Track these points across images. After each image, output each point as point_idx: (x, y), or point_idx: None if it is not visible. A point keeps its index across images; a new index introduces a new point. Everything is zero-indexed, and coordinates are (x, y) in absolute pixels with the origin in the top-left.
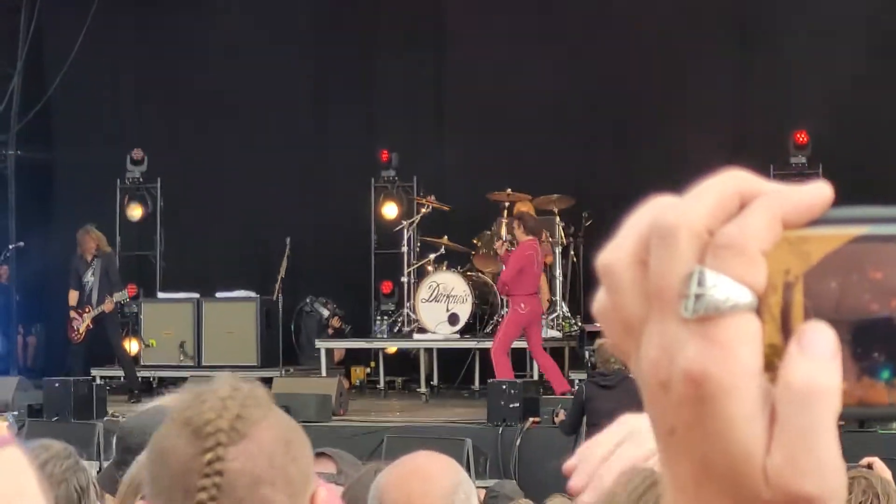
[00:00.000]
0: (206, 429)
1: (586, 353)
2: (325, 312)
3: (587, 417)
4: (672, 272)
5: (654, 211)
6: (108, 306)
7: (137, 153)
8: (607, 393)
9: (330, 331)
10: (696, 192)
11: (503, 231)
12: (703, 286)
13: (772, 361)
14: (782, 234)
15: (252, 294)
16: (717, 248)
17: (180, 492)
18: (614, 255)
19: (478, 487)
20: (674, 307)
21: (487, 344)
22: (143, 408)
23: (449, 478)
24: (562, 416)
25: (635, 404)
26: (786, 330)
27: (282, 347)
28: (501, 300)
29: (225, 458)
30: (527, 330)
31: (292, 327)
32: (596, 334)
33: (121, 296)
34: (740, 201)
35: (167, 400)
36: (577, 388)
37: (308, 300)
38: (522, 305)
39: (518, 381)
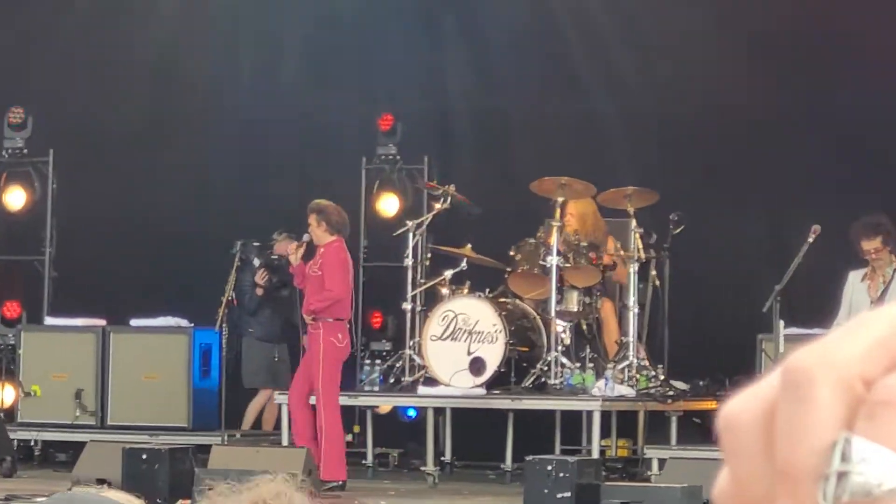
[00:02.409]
0: None
1: (672, 420)
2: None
3: None
4: (806, 438)
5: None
6: None
7: (16, 113)
8: None
9: (259, 291)
10: (849, 328)
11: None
12: (849, 461)
13: None
14: None
15: (183, 322)
16: (874, 406)
17: None
18: (740, 406)
19: None
20: (808, 489)
21: (527, 404)
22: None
23: None
24: None
25: None
26: None
27: (224, 398)
28: (551, 338)
29: None
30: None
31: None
32: (687, 394)
33: None
34: None
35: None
36: None
37: (238, 246)
38: (340, 336)
39: (569, 458)
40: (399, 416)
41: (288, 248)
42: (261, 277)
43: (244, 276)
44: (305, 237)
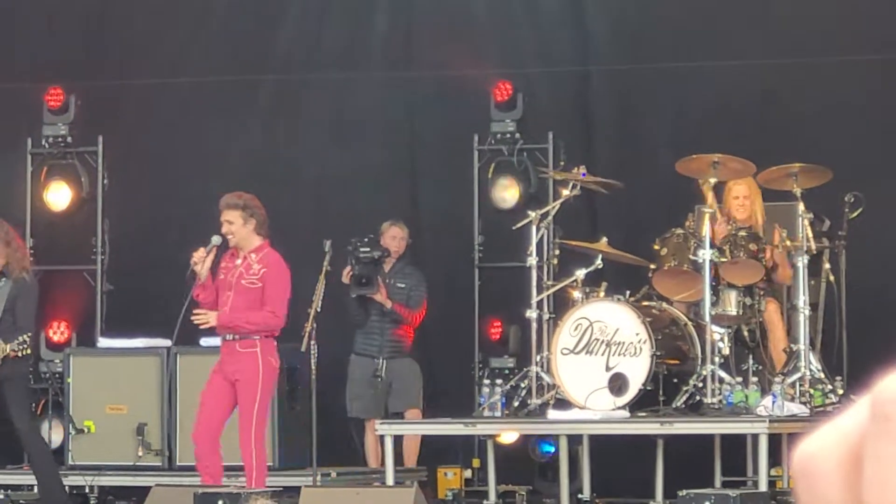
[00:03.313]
0: None
1: None
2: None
3: None
4: None
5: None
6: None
7: (55, 94)
8: None
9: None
10: None
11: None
12: None
13: None
14: None
15: None
16: None
17: None
18: (818, 447)
19: None
20: None
21: (680, 428)
22: None
23: None
24: None
25: None
26: None
27: (315, 431)
28: (706, 348)
29: None
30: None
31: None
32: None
33: (17, 346)
34: None
35: None
36: None
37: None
38: (276, 356)
39: (731, 491)
40: (533, 452)
41: (194, 256)
42: (346, 276)
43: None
44: (216, 240)
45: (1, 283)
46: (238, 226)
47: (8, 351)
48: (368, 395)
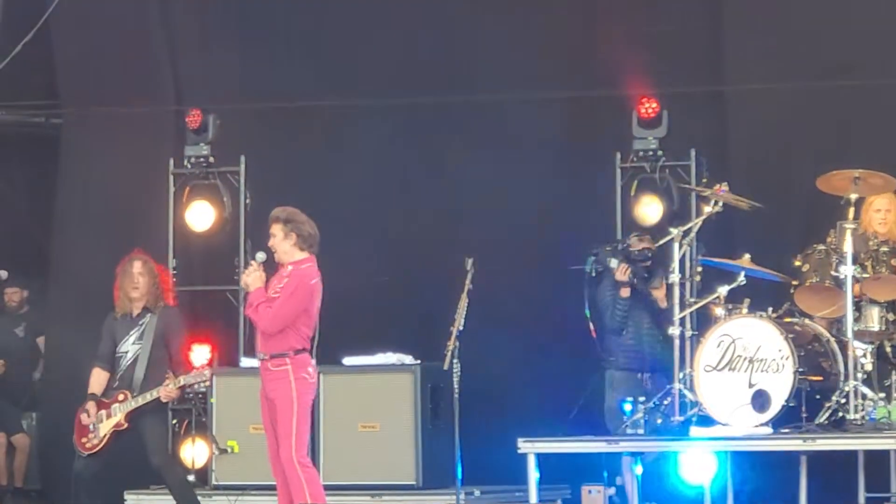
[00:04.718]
0: None
1: None
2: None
3: None
4: None
5: None
6: (167, 391)
7: (195, 116)
8: None
9: (625, 292)
10: None
11: None
12: None
13: None
14: None
15: (407, 359)
16: None
17: None
18: None
19: None
20: None
21: (823, 444)
22: None
23: None
24: None
25: None
26: None
27: (459, 445)
28: (848, 364)
29: None
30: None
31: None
32: None
33: (194, 377)
34: None
35: None
36: None
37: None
38: (311, 371)
39: None
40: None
41: (243, 274)
42: (623, 273)
43: (601, 290)
44: (261, 256)
45: (146, 319)
46: (279, 239)
47: (182, 383)
48: None
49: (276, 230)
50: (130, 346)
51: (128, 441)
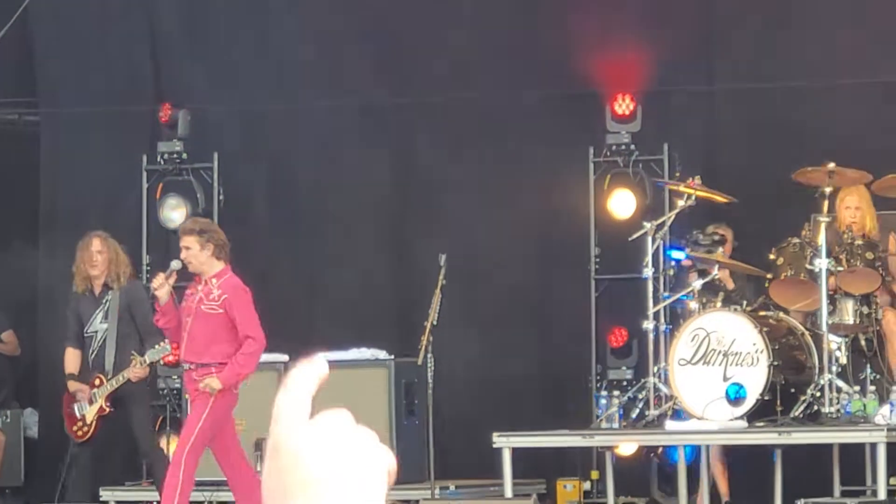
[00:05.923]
0: None
1: None
2: None
3: None
4: None
5: None
6: (134, 372)
7: (167, 111)
8: None
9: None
10: None
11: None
12: None
13: None
14: None
15: (381, 354)
16: None
17: None
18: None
19: None
20: None
21: (798, 438)
22: None
23: None
24: None
25: None
26: None
27: (431, 440)
28: (823, 358)
29: None
30: (223, 428)
31: None
32: None
33: (157, 353)
34: None
35: None
36: None
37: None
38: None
39: (850, 501)
40: (665, 462)
41: (153, 282)
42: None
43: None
44: (175, 264)
45: (109, 296)
46: (195, 251)
47: (148, 361)
48: None
49: (191, 242)
50: (98, 326)
51: (118, 435)
